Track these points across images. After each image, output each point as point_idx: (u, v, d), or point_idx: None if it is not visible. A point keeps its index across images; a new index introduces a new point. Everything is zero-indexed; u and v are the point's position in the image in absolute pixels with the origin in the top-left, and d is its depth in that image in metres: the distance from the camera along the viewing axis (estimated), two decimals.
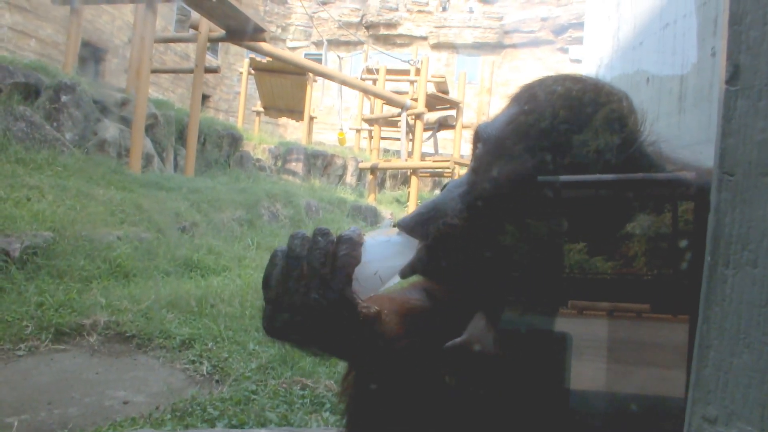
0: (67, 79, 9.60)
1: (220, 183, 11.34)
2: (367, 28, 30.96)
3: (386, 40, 30.49)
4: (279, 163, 16.10)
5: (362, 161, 17.17)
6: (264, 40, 12.44)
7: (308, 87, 18.40)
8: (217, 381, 3.93)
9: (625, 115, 1.02)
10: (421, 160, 16.14)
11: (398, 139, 17.86)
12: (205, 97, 23.99)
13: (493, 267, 1.05)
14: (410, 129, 17.20)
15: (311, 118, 19.21)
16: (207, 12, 11.29)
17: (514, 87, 1.15)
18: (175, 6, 22.10)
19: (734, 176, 0.67)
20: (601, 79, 1.10)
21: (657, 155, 1.02)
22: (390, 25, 30.81)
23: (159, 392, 3.69)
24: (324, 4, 29.53)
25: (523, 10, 30.06)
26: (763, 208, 0.65)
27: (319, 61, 19.97)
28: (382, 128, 19.64)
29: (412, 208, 13.45)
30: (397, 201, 16.91)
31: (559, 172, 0.97)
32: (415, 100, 16.39)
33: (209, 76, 23.15)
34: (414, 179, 15.81)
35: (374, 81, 18.27)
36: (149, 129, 10.91)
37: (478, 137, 1.11)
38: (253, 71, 18.59)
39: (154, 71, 14.37)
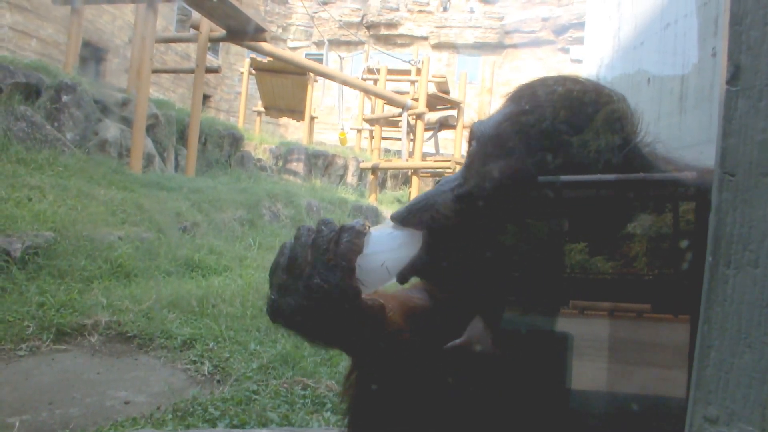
0: (67, 79, 9.60)
1: (221, 183, 11.34)
2: (368, 28, 30.96)
3: (387, 40, 30.49)
4: (280, 163, 16.10)
5: (363, 161, 17.17)
6: (265, 40, 12.45)
7: (309, 87, 18.40)
8: (218, 381, 3.93)
9: (621, 116, 1.02)
10: (422, 160, 16.15)
11: (399, 139, 17.88)
12: (206, 97, 23.99)
13: (488, 265, 1.05)
14: (411, 129, 17.19)
15: (312, 118, 19.21)
16: (208, 12, 11.29)
17: (514, 87, 1.15)
18: (176, 6, 22.11)
19: (735, 176, 0.67)
20: (596, 80, 1.10)
21: (653, 156, 1.02)
22: (391, 25, 30.81)
23: (160, 392, 3.69)
24: (325, 4, 29.54)
25: (524, 10, 30.05)
26: (764, 208, 0.65)
27: (320, 61, 19.96)
28: (383, 128, 19.66)
29: None
30: (399, 201, 16.90)
31: (552, 171, 0.98)
32: (416, 100, 16.39)
33: (210, 76, 23.15)
34: (415, 179, 15.81)
35: (375, 81, 18.28)
36: (150, 129, 10.91)
37: (473, 135, 1.12)
38: (254, 71, 18.59)
39: (155, 71, 14.38)
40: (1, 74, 8.68)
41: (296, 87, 18.42)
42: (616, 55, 9.48)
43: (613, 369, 1.07)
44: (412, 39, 30.60)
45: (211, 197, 9.71)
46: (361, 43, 28.22)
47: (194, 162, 11.92)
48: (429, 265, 1.08)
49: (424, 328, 1.19)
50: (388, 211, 14.38)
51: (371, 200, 15.26)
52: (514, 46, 30.06)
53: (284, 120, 24.44)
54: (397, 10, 30.90)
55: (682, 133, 6.52)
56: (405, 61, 20.22)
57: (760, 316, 0.65)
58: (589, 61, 11.24)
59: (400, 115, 16.82)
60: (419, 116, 16.34)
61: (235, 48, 25.10)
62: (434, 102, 17.95)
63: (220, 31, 12.27)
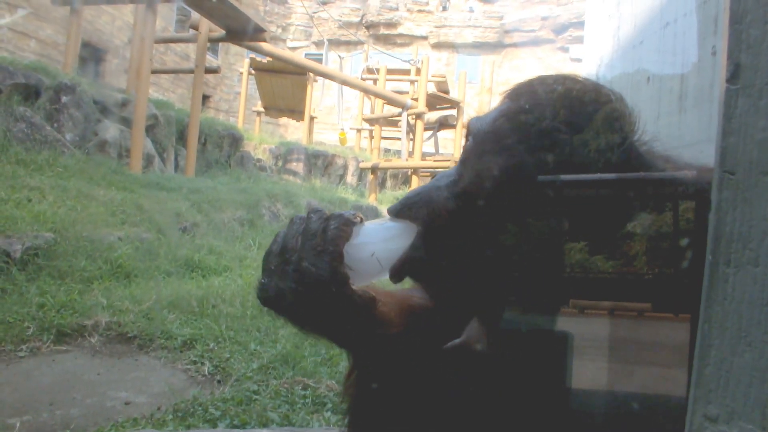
0: (67, 80, 9.59)
1: (220, 183, 11.34)
2: (368, 27, 30.97)
3: (386, 40, 30.49)
4: (280, 163, 16.10)
5: (363, 161, 17.17)
6: (264, 40, 12.45)
7: (309, 87, 18.40)
8: (218, 381, 3.93)
9: (620, 115, 1.02)
10: (422, 160, 16.15)
11: (399, 139, 17.88)
12: (205, 98, 24.01)
13: (482, 262, 1.05)
14: (411, 129, 17.20)
15: (312, 118, 19.22)
16: (207, 12, 11.29)
17: (512, 85, 1.16)
18: (175, 6, 22.11)
19: (735, 175, 0.67)
20: (596, 79, 1.11)
21: (651, 155, 1.02)
22: (390, 24, 30.81)
23: (160, 393, 3.69)
24: (324, 3, 29.54)
25: (524, 10, 30.06)
26: (764, 207, 0.65)
27: (320, 61, 19.98)
28: (383, 128, 19.66)
29: None
30: (398, 200, 16.87)
31: (549, 169, 0.98)
32: (416, 99, 16.40)
33: (209, 77, 23.16)
34: (415, 179, 15.82)
35: (375, 81, 18.29)
36: (150, 129, 10.91)
37: (470, 131, 1.12)
38: (253, 71, 18.60)
39: (155, 71, 14.37)
40: (0, 75, 8.68)
41: (296, 87, 18.42)
42: (615, 54, 9.47)
43: (614, 368, 1.07)
44: (411, 38, 30.61)
45: (211, 197, 9.71)
46: (360, 42, 28.24)
47: (194, 162, 11.92)
48: (421, 259, 1.08)
49: (424, 327, 1.19)
50: None
51: (371, 200, 15.26)
52: (514, 45, 30.07)
53: (284, 120, 24.45)
54: (397, 9, 30.90)
55: (681, 131, 6.51)
56: (404, 61, 20.25)
57: (761, 315, 0.65)
58: (589, 60, 11.23)
59: (399, 114, 16.82)
60: (419, 116, 16.34)
61: (234, 48, 25.11)
62: (434, 101, 17.96)
63: (220, 32, 12.27)
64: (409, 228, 1.09)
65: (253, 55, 18.20)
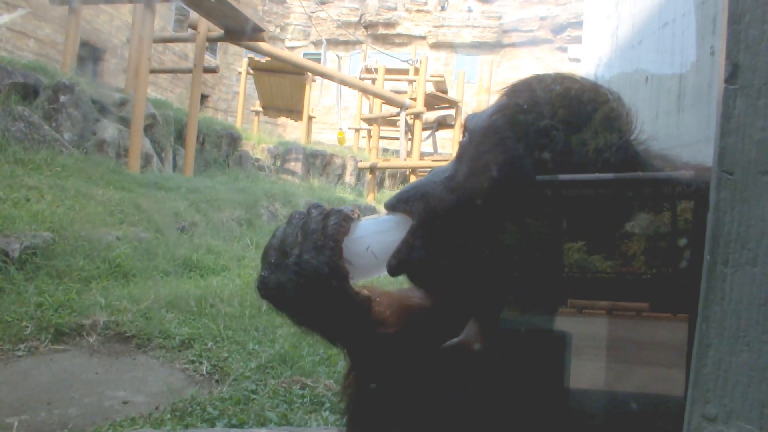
0: (65, 79, 9.58)
1: (219, 183, 11.33)
2: (366, 27, 30.96)
3: (385, 40, 30.49)
4: (278, 163, 16.09)
5: (361, 161, 17.16)
6: (263, 40, 12.44)
7: (307, 86, 18.39)
8: (216, 381, 3.93)
9: (617, 115, 1.02)
10: (420, 160, 16.14)
11: (397, 139, 17.88)
12: (203, 97, 23.99)
13: (477, 258, 1.05)
14: (409, 128, 17.20)
15: (310, 118, 19.21)
16: (206, 12, 11.28)
17: (510, 83, 1.16)
18: (174, 6, 22.09)
19: (733, 175, 0.67)
20: (594, 78, 1.11)
21: (649, 154, 1.02)
22: (389, 24, 30.80)
23: (159, 392, 3.69)
24: (323, 3, 29.53)
25: (522, 9, 30.07)
26: (762, 207, 0.65)
27: (318, 60, 20.00)
28: (381, 128, 19.65)
29: None
30: None
31: (543, 167, 0.98)
32: (414, 99, 16.39)
33: (208, 76, 23.15)
34: (413, 178, 15.80)
35: (373, 80, 18.28)
36: (148, 129, 10.89)
37: (466, 127, 1.13)
38: (251, 71, 18.59)
39: (153, 71, 14.36)
40: None
41: (294, 87, 18.41)
42: (614, 54, 9.47)
43: (612, 368, 1.07)
44: (410, 38, 30.60)
45: (209, 197, 9.71)
46: (359, 42, 28.23)
47: (192, 162, 11.90)
48: (416, 254, 1.08)
49: (422, 327, 1.19)
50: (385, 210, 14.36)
51: (369, 199, 15.25)
52: (512, 45, 30.07)
53: (282, 120, 24.42)
54: (395, 9, 30.89)
55: (680, 131, 6.51)
56: (403, 61, 20.25)
57: (759, 315, 0.65)
58: (587, 60, 11.23)
59: (398, 114, 16.82)
60: (417, 116, 16.34)
61: (233, 48, 25.08)
62: (432, 101, 17.96)
63: (218, 31, 12.26)
64: (404, 221, 1.10)
65: (251, 55, 18.18)
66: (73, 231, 5.95)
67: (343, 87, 18.09)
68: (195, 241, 7.82)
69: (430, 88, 17.75)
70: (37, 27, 15.76)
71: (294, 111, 19.47)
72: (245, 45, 13.04)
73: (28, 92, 9.07)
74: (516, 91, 1.09)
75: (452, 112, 19.14)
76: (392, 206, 1.13)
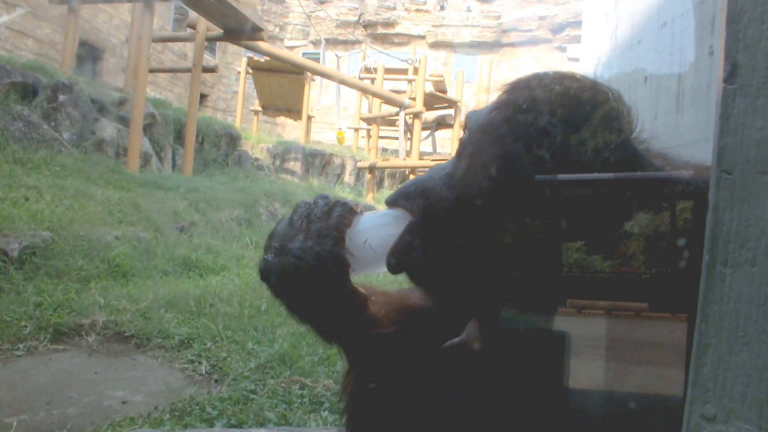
0: (64, 79, 9.58)
1: (218, 182, 11.33)
2: (365, 27, 30.94)
3: (384, 39, 30.47)
4: (277, 163, 16.09)
5: (360, 160, 17.16)
6: (262, 39, 12.43)
7: (306, 86, 18.38)
8: (215, 380, 3.93)
9: (618, 114, 1.02)
10: (420, 159, 16.13)
11: (396, 138, 17.87)
12: (203, 97, 23.96)
13: (476, 255, 1.05)
14: (408, 128, 17.19)
15: (309, 118, 19.21)
16: (205, 11, 11.27)
17: (510, 80, 1.16)
18: (173, 5, 22.07)
19: (732, 174, 0.67)
20: (590, 76, 1.11)
21: (649, 153, 1.02)
22: (388, 24, 30.79)
23: (158, 392, 3.69)
24: (322, 3, 29.52)
25: (521, 9, 30.06)
26: (761, 207, 0.66)
27: (317, 60, 20.00)
28: (381, 127, 19.64)
29: None
30: None
31: (542, 164, 0.98)
32: (413, 99, 16.39)
33: (207, 76, 23.15)
34: (412, 178, 15.79)
35: (372, 80, 18.27)
36: (147, 128, 10.89)
37: (466, 124, 1.13)
38: (251, 70, 18.59)
39: (152, 70, 14.36)
40: None
41: (293, 86, 18.41)
42: (613, 54, 9.47)
43: (611, 368, 1.07)
44: (409, 38, 30.59)
45: (209, 197, 9.71)
46: (358, 42, 28.20)
47: (191, 161, 11.90)
48: (414, 249, 1.08)
49: (421, 327, 1.19)
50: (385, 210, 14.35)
51: (368, 199, 15.25)
52: (511, 44, 30.06)
53: (281, 119, 24.42)
54: (394, 9, 30.88)
55: (679, 131, 6.51)
56: (402, 60, 20.21)
57: (758, 314, 0.65)
58: (586, 59, 11.23)
59: (397, 114, 16.81)
60: (416, 115, 16.33)
61: (232, 47, 25.05)
62: (431, 101, 17.95)
63: (218, 31, 12.25)
64: (403, 216, 1.11)
65: (250, 54, 18.17)
66: (72, 230, 5.95)
67: (342, 86, 18.08)
68: (194, 240, 7.82)
69: (430, 88, 17.75)
70: (36, 26, 15.75)
71: (293, 110, 19.47)
72: (244, 44, 13.03)
73: (27, 92, 9.07)
74: (517, 87, 1.09)
75: (451, 111, 19.13)
76: (392, 202, 1.14)
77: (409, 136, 17.40)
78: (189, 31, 13.92)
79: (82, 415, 3.30)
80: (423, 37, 30.74)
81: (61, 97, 9.23)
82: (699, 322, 0.69)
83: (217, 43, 21.57)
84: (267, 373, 3.98)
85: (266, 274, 1.10)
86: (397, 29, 30.78)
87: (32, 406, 3.32)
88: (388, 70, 18.69)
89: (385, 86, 18.09)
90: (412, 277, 1.14)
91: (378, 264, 1.10)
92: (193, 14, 12.33)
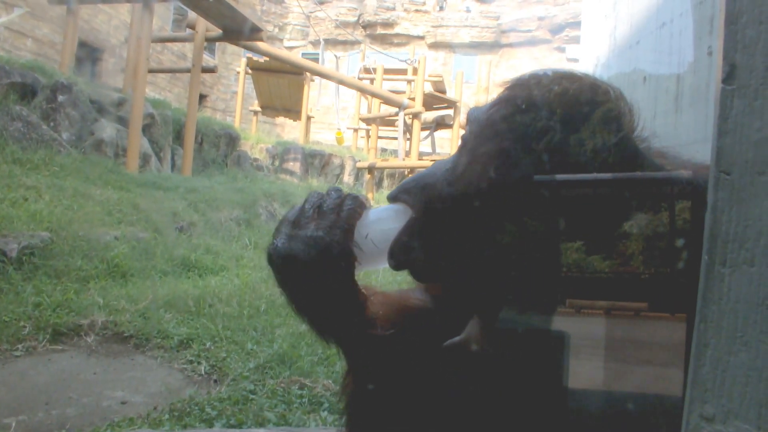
0: (63, 79, 9.58)
1: (217, 182, 11.32)
2: (364, 27, 30.94)
3: (383, 40, 30.46)
4: (276, 163, 16.09)
5: (360, 160, 17.15)
6: (261, 40, 12.43)
7: (305, 86, 18.38)
8: (215, 381, 3.93)
9: (619, 113, 1.02)
10: (419, 160, 16.12)
11: (396, 139, 17.86)
12: (202, 97, 23.94)
13: (476, 252, 1.05)
14: (407, 128, 17.19)
15: (308, 118, 19.20)
16: (204, 11, 11.26)
17: (512, 78, 1.17)
18: (172, 5, 22.06)
19: (731, 175, 0.67)
20: (593, 75, 1.11)
21: (649, 153, 1.02)
22: (387, 24, 30.79)
23: (157, 392, 3.69)
24: (321, 3, 29.51)
25: (520, 10, 30.07)
26: (759, 207, 0.66)
27: (316, 60, 19.98)
28: (380, 127, 19.62)
29: None
30: None
31: (542, 161, 0.98)
32: (413, 99, 16.38)
33: (206, 76, 23.09)
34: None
35: (371, 80, 18.26)
36: (146, 129, 10.88)
37: (468, 120, 1.14)
38: (250, 71, 18.58)
39: (151, 71, 14.35)
40: None
41: (293, 86, 18.39)
42: (612, 54, 9.49)
43: (610, 367, 1.07)
44: (408, 38, 30.59)
45: (208, 197, 9.70)
46: (357, 42, 28.20)
47: (190, 162, 11.89)
48: (415, 244, 1.09)
49: (421, 327, 1.19)
50: None
51: None
52: (510, 45, 30.07)
53: (281, 119, 24.40)
54: (394, 9, 30.88)
55: (677, 131, 6.52)
56: (401, 61, 20.21)
57: (756, 315, 0.65)
58: (586, 60, 11.24)
59: (396, 114, 16.80)
60: (416, 115, 16.33)
61: (231, 47, 25.04)
62: (431, 101, 17.94)
63: (217, 31, 12.24)
64: (404, 211, 1.12)
65: (249, 55, 18.16)
66: (71, 231, 5.95)
67: (341, 87, 18.08)
68: (193, 241, 7.82)
69: (429, 88, 17.74)
70: (35, 27, 15.74)
71: (292, 111, 19.47)
72: (243, 45, 13.02)
73: (26, 92, 9.07)
74: (519, 84, 1.10)
75: (451, 112, 19.12)
76: (394, 197, 1.14)
77: (408, 136, 17.39)
78: (188, 31, 13.92)
79: (81, 415, 3.30)
80: (422, 38, 30.74)
81: (60, 98, 9.23)
82: (698, 322, 0.69)
83: (217, 43, 21.55)
84: (266, 373, 3.98)
85: (274, 257, 1.10)
86: (397, 30, 30.78)
87: (31, 407, 3.32)
88: (387, 71, 18.68)
89: (384, 86, 18.08)
90: (413, 272, 1.14)
91: (380, 258, 1.11)
92: (192, 15, 12.32)
